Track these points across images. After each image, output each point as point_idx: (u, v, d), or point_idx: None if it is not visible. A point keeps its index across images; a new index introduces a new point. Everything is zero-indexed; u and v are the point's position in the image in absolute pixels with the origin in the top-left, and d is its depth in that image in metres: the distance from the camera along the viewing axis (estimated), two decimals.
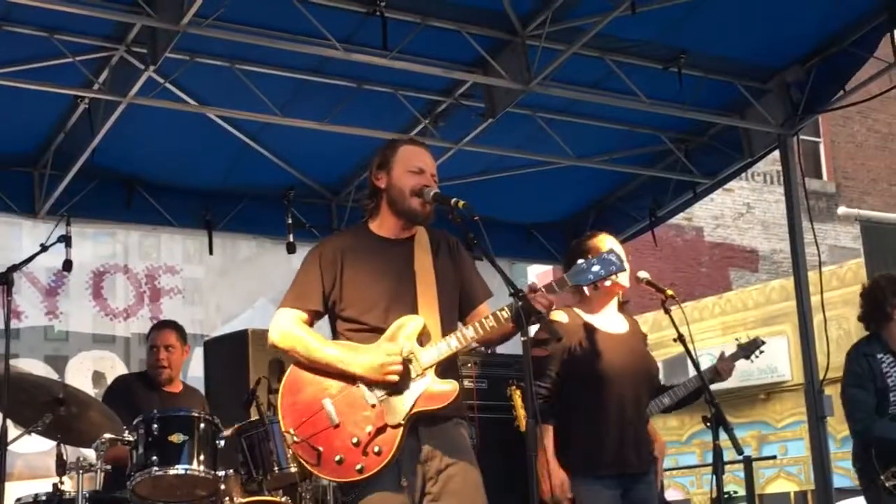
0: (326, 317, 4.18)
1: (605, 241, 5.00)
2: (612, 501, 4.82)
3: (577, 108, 7.64)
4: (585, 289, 4.54)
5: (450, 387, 3.97)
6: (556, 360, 4.89)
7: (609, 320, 5.06)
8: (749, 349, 6.03)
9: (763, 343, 6.13)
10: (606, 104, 7.40)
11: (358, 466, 3.87)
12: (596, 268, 4.12)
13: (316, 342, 4.00)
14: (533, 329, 4.28)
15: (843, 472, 13.74)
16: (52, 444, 5.37)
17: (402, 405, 3.91)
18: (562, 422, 4.94)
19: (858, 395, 5.72)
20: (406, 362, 3.92)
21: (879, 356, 5.73)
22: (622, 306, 5.22)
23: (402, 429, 3.89)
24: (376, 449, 3.87)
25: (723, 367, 5.63)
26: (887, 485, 5.58)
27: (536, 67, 6.70)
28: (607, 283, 4.28)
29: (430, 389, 3.94)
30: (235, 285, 8.99)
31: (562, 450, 4.91)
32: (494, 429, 6.20)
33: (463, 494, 3.96)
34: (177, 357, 6.55)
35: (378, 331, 3.99)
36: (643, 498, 4.95)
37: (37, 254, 5.66)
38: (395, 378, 3.89)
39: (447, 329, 4.05)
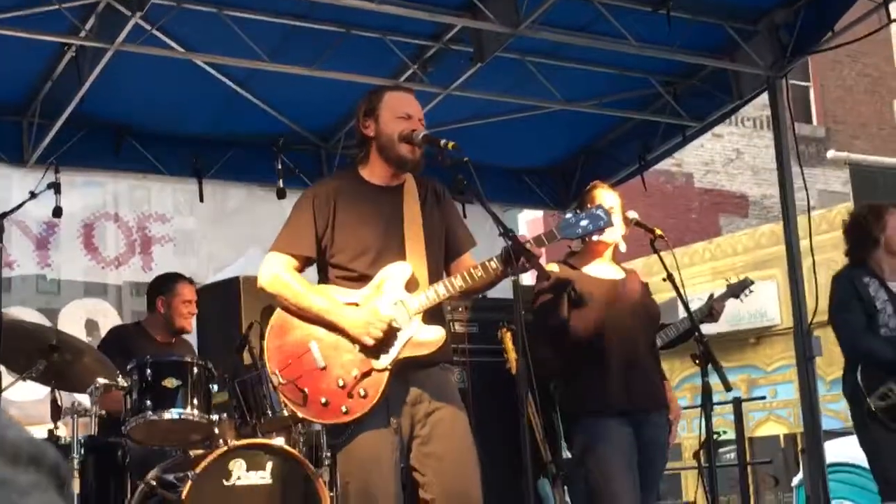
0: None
1: (600, 195, 5.03)
2: (627, 438, 4.89)
3: (566, 52, 7.63)
4: (575, 242, 4.65)
5: (437, 333, 4.01)
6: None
7: (601, 270, 5.12)
8: (738, 289, 6.07)
9: (752, 283, 6.17)
10: (595, 47, 7.38)
11: (343, 408, 3.91)
12: (584, 222, 4.15)
13: (304, 289, 4.03)
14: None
15: (832, 415, 13.91)
16: (46, 390, 5.41)
17: (389, 350, 3.96)
18: (567, 363, 5.02)
19: (847, 317, 5.75)
20: (391, 327, 3.94)
21: (865, 280, 5.77)
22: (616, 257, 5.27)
23: (388, 373, 3.93)
24: (362, 392, 3.91)
25: (714, 308, 5.68)
26: (873, 407, 5.62)
27: (525, 11, 6.67)
28: (595, 237, 4.32)
29: (417, 336, 3.98)
30: (226, 234, 8.98)
31: (569, 395, 4.99)
32: (486, 372, 6.24)
33: (452, 438, 4.00)
34: (194, 311, 6.59)
35: (366, 278, 4.02)
36: (652, 437, 5.02)
37: (26, 201, 5.67)
38: (371, 342, 3.92)
39: (434, 276, 4.08)
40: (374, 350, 3.94)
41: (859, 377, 5.70)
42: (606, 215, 4.18)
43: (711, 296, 5.77)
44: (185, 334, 6.53)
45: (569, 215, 4.18)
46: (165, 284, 6.55)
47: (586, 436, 4.92)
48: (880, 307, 5.72)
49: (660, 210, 18.53)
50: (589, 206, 4.29)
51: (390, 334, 3.94)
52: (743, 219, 21.64)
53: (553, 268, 5.01)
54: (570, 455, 5.07)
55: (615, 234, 4.96)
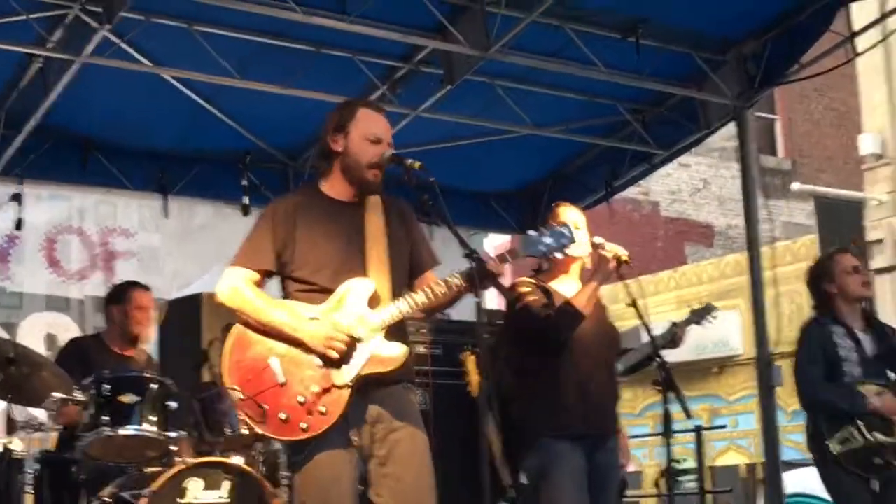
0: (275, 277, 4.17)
1: (565, 213, 5.02)
2: (580, 463, 4.85)
3: (536, 77, 7.64)
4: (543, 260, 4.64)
5: (399, 350, 3.97)
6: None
7: (568, 287, 5.09)
8: (701, 315, 6.08)
9: (715, 309, 6.18)
10: (565, 73, 7.40)
11: (303, 425, 3.85)
12: (548, 240, 4.10)
13: (264, 304, 3.98)
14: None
15: (792, 445, 13.95)
16: (2, 404, 5.34)
17: (350, 367, 3.91)
18: (525, 385, 4.98)
19: (808, 368, 5.78)
20: (352, 340, 3.90)
21: (831, 328, 5.81)
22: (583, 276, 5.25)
23: (348, 390, 3.88)
24: (322, 409, 3.86)
25: (677, 334, 5.66)
26: (834, 452, 5.64)
27: (495, 34, 6.69)
28: (559, 255, 4.28)
29: (378, 353, 3.93)
30: (191, 251, 8.93)
31: (526, 413, 4.95)
32: (448, 394, 6.23)
33: (410, 460, 3.96)
34: (152, 318, 6.52)
35: (328, 291, 3.98)
36: (606, 463, 4.99)
37: None
38: (335, 356, 3.87)
39: (397, 293, 4.04)
40: (338, 363, 3.90)
41: (820, 421, 5.72)
42: (570, 232, 4.14)
43: (674, 322, 5.77)
44: (142, 344, 6.44)
45: (532, 233, 4.14)
46: (119, 293, 6.49)
47: (541, 459, 4.86)
48: (844, 356, 5.74)
49: (626, 238, 18.44)
50: (552, 223, 4.25)
51: (352, 347, 3.91)
52: (708, 248, 21.73)
53: (524, 278, 4.99)
54: (526, 481, 5.02)
55: (581, 249, 4.94)
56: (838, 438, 5.63)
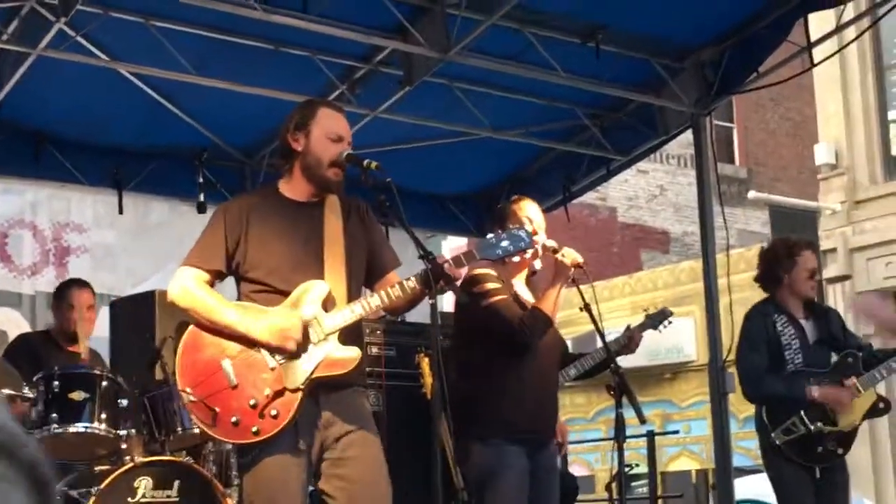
0: (231, 277, 4.15)
1: (526, 208, 5.01)
2: (523, 467, 4.86)
3: (495, 80, 7.64)
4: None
5: (352, 353, 3.96)
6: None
7: (519, 288, 5.09)
8: (657, 319, 6.11)
9: (671, 314, 6.21)
10: (524, 76, 7.41)
11: (254, 429, 3.84)
12: (504, 243, 4.10)
13: (215, 303, 3.95)
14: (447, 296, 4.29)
15: (744, 452, 14.07)
16: None
17: (303, 370, 3.89)
18: (475, 386, 4.94)
19: (751, 357, 5.87)
20: (306, 329, 3.89)
21: (774, 316, 5.88)
22: (530, 278, 5.25)
23: (300, 393, 3.87)
24: (273, 412, 3.84)
25: (633, 338, 5.67)
26: (777, 442, 5.73)
27: (455, 36, 6.68)
28: (515, 259, 4.27)
29: (331, 355, 3.92)
30: (146, 248, 8.88)
31: (474, 415, 4.90)
32: (401, 396, 6.22)
33: (363, 461, 3.95)
34: (93, 317, 6.47)
35: (282, 293, 3.96)
36: (549, 464, 5.03)
37: None
38: (293, 347, 3.86)
39: (353, 295, 4.03)
40: (296, 355, 3.87)
41: (763, 412, 5.81)
42: (528, 237, 4.13)
43: (629, 327, 5.79)
44: (83, 340, 6.38)
45: (490, 235, 4.13)
46: (60, 290, 6.49)
47: (488, 459, 4.83)
48: (786, 342, 5.83)
49: (582, 243, 18.60)
50: (510, 223, 4.23)
51: (307, 337, 3.88)
52: (664, 255, 21.88)
53: (487, 270, 4.95)
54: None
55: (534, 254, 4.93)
56: (783, 428, 5.72)
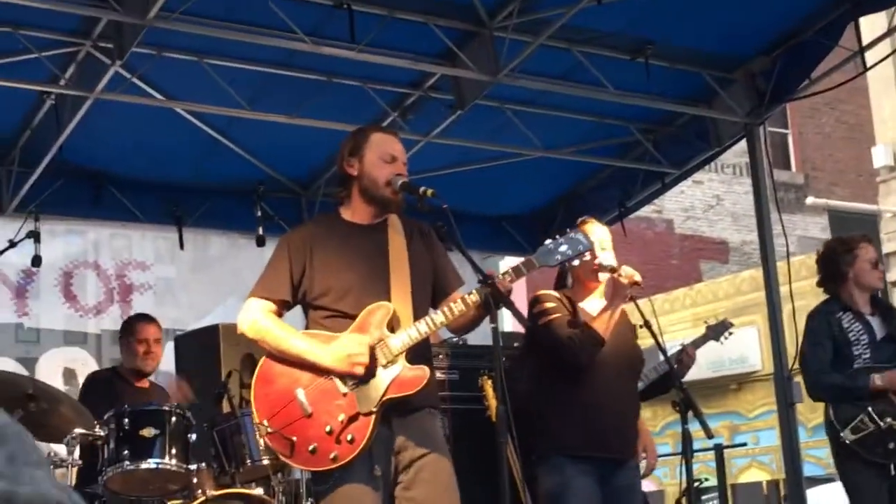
0: (298, 308, 4.19)
1: (594, 230, 4.96)
2: (594, 486, 4.81)
3: (546, 100, 7.67)
4: (569, 278, 4.64)
5: (421, 372, 3.97)
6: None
7: (594, 306, 5.02)
8: (718, 331, 6.07)
9: (731, 325, 6.17)
10: (574, 95, 7.42)
11: (332, 455, 3.87)
12: (563, 248, 4.10)
13: (284, 333, 4.01)
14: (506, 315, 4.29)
15: (814, 461, 13.90)
16: None
17: (374, 392, 3.92)
18: (542, 403, 4.94)
19: (813, 351, 5.79)
20: (374, 352, 3.92)
21: (839, 314, 5.81)
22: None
23: (374, 416, 3.90)
24: (349, 437, 3.87)
25: (687, 353, 5.62)
26: (847, 441, 5.64)
27: (504, 59, 6.71)
28: (575, 262, 4.24)
29: (401, 376, 3.94)
30: (207, 282, 8.97)
31: (539, 432, 4.91)
32: (466, 419, 6.22)
33: (435, 484, 3.97)
34: (160, 350, 6.57)
35: (351, 317, 3.99)
36: (626, 485, 4.94)
37: (5, 249, 5.65)
38: (361, 370, 3.89)
39: (419, 315, 4.06)
40: (366, 378, 3.90)
41: (832, 413, 5.73)
42: (586, 240, 4.11)
43: (682, 345, 5.72)
44: (146, 376, 6.47)
45: (548, 241, 4.12)
46: (126, 326, 6.58)
47: (553, 479, 4.81)
48: (853, 338, 5.75)
49: (640, 256, 18.57)
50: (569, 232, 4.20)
51: (375, 359, 3.91)
52: (724, 265, 21.70)
53: (549, 292, 4.96)
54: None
55: (609, 260, 4.92)
56: (851, 428, 5.63)
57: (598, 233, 4.94)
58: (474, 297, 3.94)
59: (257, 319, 4.03)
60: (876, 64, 7.59)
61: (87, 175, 7.89)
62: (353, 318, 3.99)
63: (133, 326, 6.52)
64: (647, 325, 4.81)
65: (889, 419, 5.63)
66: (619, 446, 4.93)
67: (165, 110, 7.16)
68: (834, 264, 5.97)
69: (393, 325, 3.99)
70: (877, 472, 5.66)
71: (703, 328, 6.19)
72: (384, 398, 3.91)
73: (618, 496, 4.88)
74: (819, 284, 6.06)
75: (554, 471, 4.82)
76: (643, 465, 5.18)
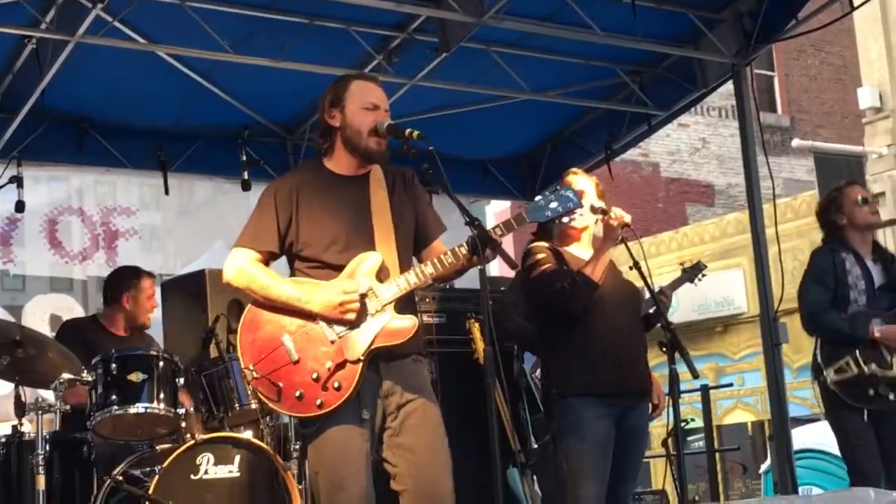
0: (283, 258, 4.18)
1: (577, 181, 4.96)
2: (606, 429, 4.82)
3: (531, 42, 7.61)
4: (554, 228, 4.67)
5: (409, 322, 3.99)
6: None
7: (582, 252, 5.06)
8: (692, 273, 6.11)
9: (705, 266, 6.22)
10: (560, 37, 7.37)
11: (318, 401, 3.89)
12: (553, 204, 4.10)
13: (272, 280, 4.01)
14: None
15: (799, 402, 14.02)
16: (10, 386, 5.35)
17: (362, 340, 3.93)
18: (551, 350, 4.99)
19: (815, 290, 5.81)
20: (363, 299, 3.93)
21: (843, 254, 5.83)
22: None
23: (361, 364, 3.91)
24: (336, 384, 3.89)
25: (664, 296, 5.60)
26: (829, 381, 5.68)
27: (489, 0, 6.66)
28: (565, 219, 4.25)
29: (389, 325, 3.96)
30: (193, 227, 8.95)
31: (554, 377, 4.96)
32: (453, 362, 6.24)
33: (423, 429, 3.99)
34: (154, 304, 6.55)
35: (337, 268, 4.00)
36: (636, 424, 4.97)
37: None
38: (352, 316, 3.91)
39: (404, 264, 4.06)
40: (355, 325, 3.91)
41: (818, 353, 5.76)
42: (576, 197, 4.12)
43: (660, 289, 5.71)
44: (145, 329, 6.45)
45: (538, 198, 4.14)
46: (129, 279, 6.46)
47: (567, 419, 4.84)
48: (851, 282, 5.78)
49: (626, 199, 18.57)
50: (558, 188, 4.22)
51: (364, 307, 3.92)
52: (709, 208, 21.75)
53: (539, 243, 4.98)
54: (535, 445, 5.02)
55: (586, 219, 4.94)
56: (836, 368, 5.66)
57: (581, 184, 4.94)
58: (464, 249, 3.93)
59: (243, 268, 4.02)
60: (862, 4, 7.58)
61: (70, 120, 7.81)
62: (338, 268, 3.99)
63: (139, 282, 6.43)
64: (636, 266, 4.82)
65: (874, 365, 5.66)
66: (634, 380, 4.96)
67: (148, 54, 7.08)
68: (827, 216, 6.00)
69: (380, 276, 3.99)
70: (862, 414, 5.70)
71: (679, 271, 6.21)
72: (372, 347, 3.92)
73: (630, 436, 4.91)
74: (824, 241, 6.07)
75: (568, 410, 4.85)
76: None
